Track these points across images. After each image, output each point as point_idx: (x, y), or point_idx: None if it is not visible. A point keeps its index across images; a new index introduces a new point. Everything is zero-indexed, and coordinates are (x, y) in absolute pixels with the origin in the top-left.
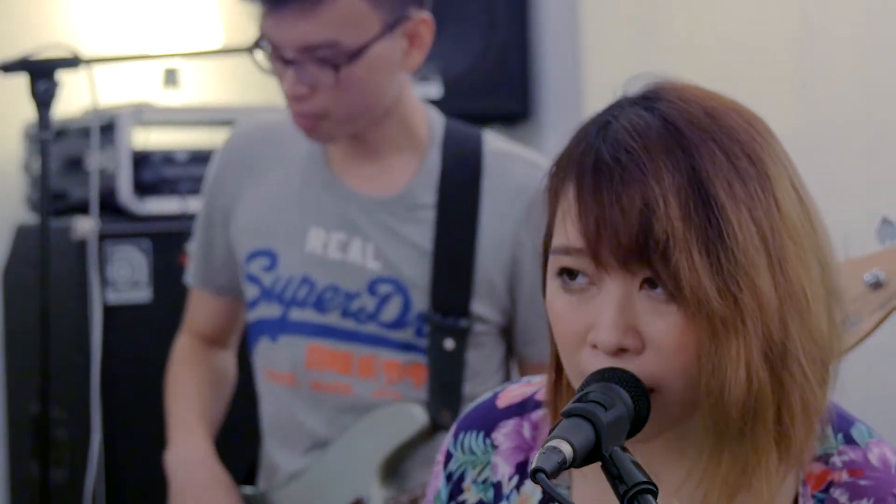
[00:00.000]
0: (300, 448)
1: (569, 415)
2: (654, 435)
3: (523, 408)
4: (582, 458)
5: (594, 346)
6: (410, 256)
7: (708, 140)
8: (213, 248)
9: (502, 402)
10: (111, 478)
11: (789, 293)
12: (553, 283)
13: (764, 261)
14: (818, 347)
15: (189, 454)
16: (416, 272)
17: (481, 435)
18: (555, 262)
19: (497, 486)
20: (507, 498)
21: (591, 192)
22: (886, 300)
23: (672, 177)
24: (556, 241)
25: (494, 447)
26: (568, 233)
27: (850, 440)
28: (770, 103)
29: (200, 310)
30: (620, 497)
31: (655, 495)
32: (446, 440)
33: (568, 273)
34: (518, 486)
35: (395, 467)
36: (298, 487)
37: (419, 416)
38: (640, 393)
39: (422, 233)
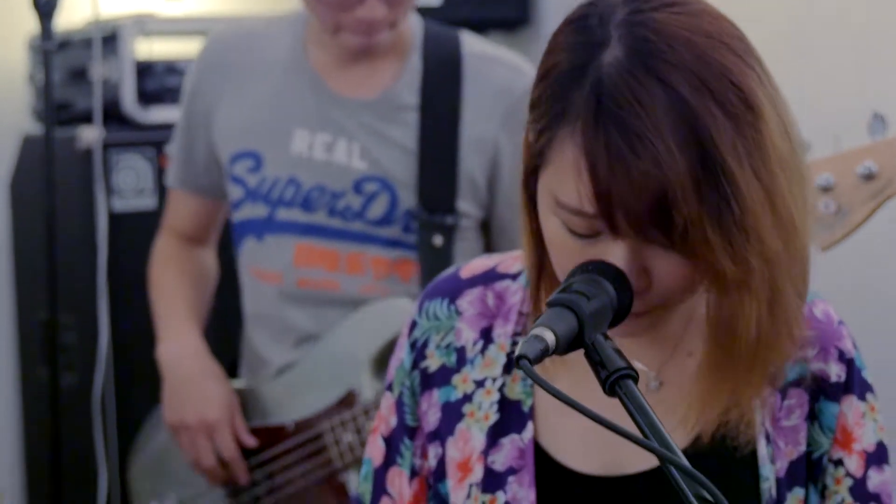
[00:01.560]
0: (289, 342)
1: (552, 304)
2: (640, 332)
3: (487, 278)
4: (565, 346)
5: None
6: (396, 156)
7: (708, 101)
8: (194, 151)
9: (466, 273)
10: (120, 381)
11: (787, 234)
12: (553, 220)
13: (768, 216)
14: (803, 267)
15: (180, 349)
16: (402, 171)
17: (445, 301)
18: (559, 211)
19: (460, 351)
20: (472, 362)
21: (604, 161)
22: (878, 191)
23: (683, 157)
24: (565, 198)
25: (458, 313)
26: (578, 195)
27: None
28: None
29: (181, 210)
30: (602, 382)
31: (636, 381)
32: (411, 312)
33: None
34: (482, 351)
35: (386, 360)
36: (289, 380)
37: (409, 311)
38: (624, 284)
39: (406, 133)
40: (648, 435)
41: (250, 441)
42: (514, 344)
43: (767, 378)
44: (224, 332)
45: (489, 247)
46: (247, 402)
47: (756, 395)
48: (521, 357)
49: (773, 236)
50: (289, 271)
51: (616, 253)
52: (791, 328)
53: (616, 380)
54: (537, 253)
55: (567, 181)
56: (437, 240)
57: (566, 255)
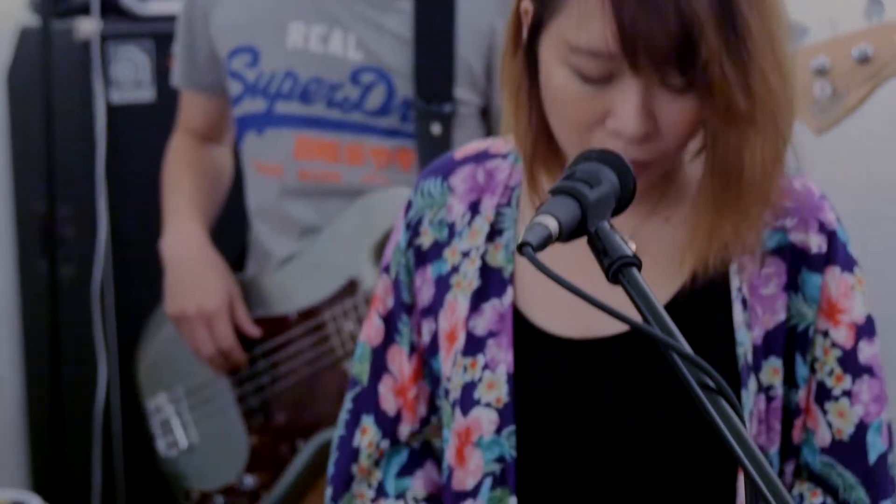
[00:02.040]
0: (292, 235)
1: (555, 192)
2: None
3: (479, 157)
4: (568, 234)
5: (614, 132)
6: (391, 45)
7: None
8: (195, 48)
9: (459, 155)
10: (118, 273)
11: (783, 77)
12: (563, 70)
13: (770, 56)
14: (790, 111)
15: (182, 241)
16: (398, 60)
17: (439, 179)
18: (573, 57)
19: (451, 226)
20: (460, 234)
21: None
22: (873, 74)
23: None
24: (583, 39)
25: (451, 190)
26: (602, 34)
27: None
28: None
29: (191, 109)
30: (605, 270)
31: (639, 268)
32: (409, 195)
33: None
34: (469, 223)
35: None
36: (291, 271)
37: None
38: (626, 172)
39: (401, 22)
40: (651, 322)
41: (253, 331)
42: (498, 215)
43: (760, 219)
44: (233, 226)
45: (490, 134)
46: (250, 293)
47: (752, 230)
48: (524, 244)
49: (774, 75)
50: (289, 164)
51: (628, 96)
52: (782, 167)
53: (619, 267)
54: (532, 130)
55: (588, 22)
56: (436, 128)
57: (574, 107)
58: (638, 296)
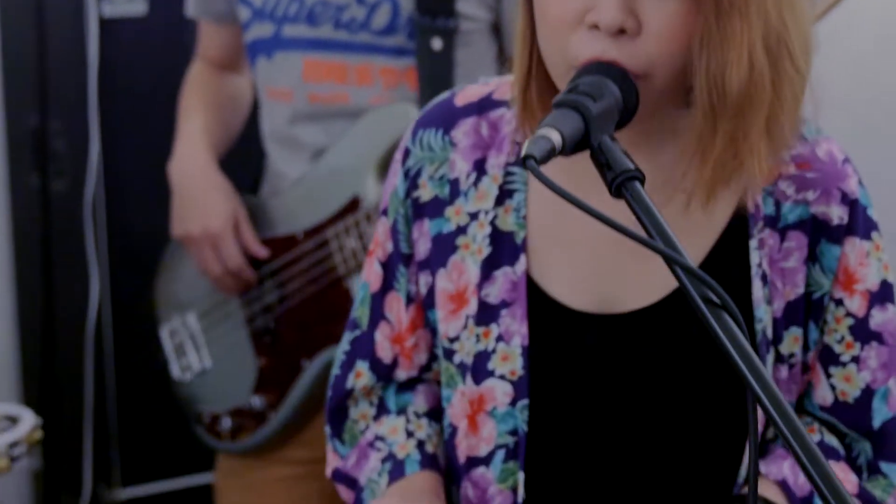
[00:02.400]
0: (303, 157)
1: (559, 105)
2: (643, 121)
3: (482, 107)
4: (571, 147)
5: (593, 27)
6: None
7: None
8: None
9: (460, 100)
10: (110, 187)
11: None
12: None
13: None
14: (804, 41)
15: (189, 164)
16: None
17: (440, 132)
18: None
19: (454, 183)
20: (465, 194)
21: None
22: None
23: None
24: None
25: (453, 144)
26: None
27: (799, 136)
28: None
29: (206, 38)
30: (609, 184)
31: (643, 182)
32: (405, 137)
33: None
34: (476, 183)
35: (390, 165)
36: (298, 192)
37: (411, 114)
38: (629, 85)
39: None
40: (654, 237)
41: (260, 251)
42: (507, 175)
43: (770, 148)
44: (248, 149)
45: (501, 53)
46: (261, 215)
47: (760, 164)
48: (527, 157)
49: None
50: (299, 87)
51: None
52: (795, 95)
53: (623, 181)
54: (528, 43)
55: None
56: (436, 44)
57: (557, 4)
58: (642, 210)
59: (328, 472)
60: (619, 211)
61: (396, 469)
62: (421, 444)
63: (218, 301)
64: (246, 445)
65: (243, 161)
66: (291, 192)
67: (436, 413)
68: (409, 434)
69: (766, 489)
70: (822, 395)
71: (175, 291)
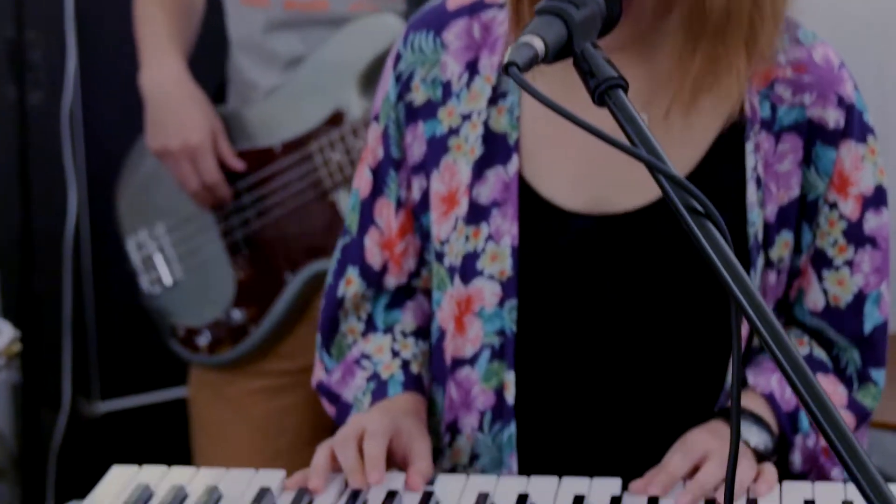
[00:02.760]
0: (277, 66)
1: (540, 12)
2: (625, 40)
3: (473, 9)
4: (553, 54)
5: None
6: None
7: None
8: None
9: (452, 4)
10: (87, 99)
11: None
12: None
13: None
14: None
15: (162, 75)
16: None
17: (431, 34)
18: None
19: (446, 85)
20: (457, 95)
21: None
22: None
23: None
24: None
25: (444, 46)
26: None
27: (795, 40)
28: None
29: None
30: (591, 91)
31: (626, 90)
32: (396, 42)
33: None
34: (468, 84)
35: (373, 78)
36: (275, 102)
37: (396, 26)
38: None
39: None
40: (637, 144)
41: (237, 164)
42: (500, 76)
43: (750, 63)
44: (210, 57)
45: None
46: (233, 126)
47: (738, 78)
48: (509, 64)
49: None
50: None
51: None
52: (775, 7)
53: (605, 89)
54: None
55: None
56: None
57: None
58: (624, 118)
59: (313, 382)
60: (608, 118)
61: (379, 389)
62: (406, 365)
63: (189, 214)
64: (224, 359)
65: (206, 69)
66: (267, 102)
67: (423, 332)
68: (395, 354)
69: (752, 402)
70: (814, 299)
71: (141, 202)
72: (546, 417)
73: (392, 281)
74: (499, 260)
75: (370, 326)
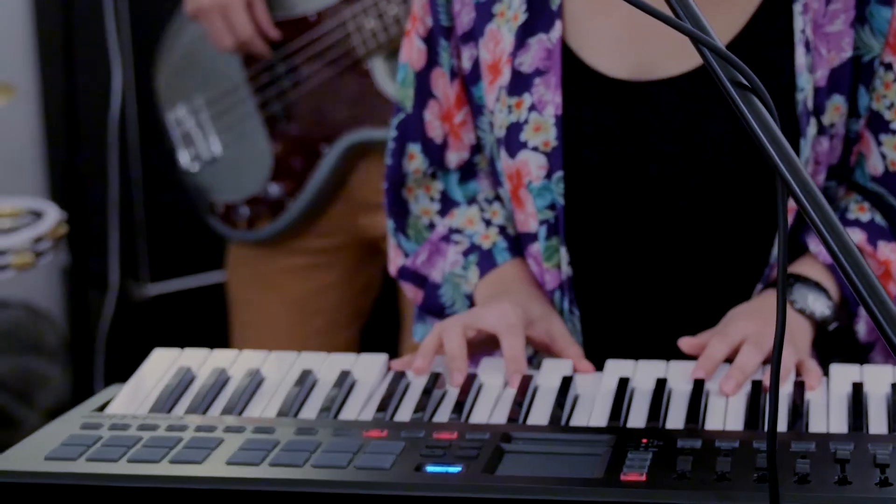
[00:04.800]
0: None
1: None
2: None
3: None
4: None
5: None
6: None
7: None
8: None
9: None
10: None
11: None
12: None
13: None
14: None
15: None
16: None
17: None
18: None
19: None
20: None
21: None
22: None
23: None
24: None
25: None
26: None
27: None
28: None
29: None
30: None
31: None
32: None
33: None
34: None
35: None
36: None
37: None
38: None
39: None
40: (682, 17)
41: (273, 32)
42: None
43: None
44: None
45: None
46: None
47: None
48: None
49: None
50: None
51: None
52: None
53: None
54: None
55: None
56: None
57: None
58: None
59: (392, 270)
60: None
61: (485, 260)
62: (503, 230)
63: (227, 87)
64: (263, 234)
65: None
66: None
67: (500, 199)
68: (488, 223)
69: (811, 269)
70: (874, 164)
71: (179, 77)
72: (601, 294)
73: (453, 157)
74: (542, 131)
75: (448, 203)
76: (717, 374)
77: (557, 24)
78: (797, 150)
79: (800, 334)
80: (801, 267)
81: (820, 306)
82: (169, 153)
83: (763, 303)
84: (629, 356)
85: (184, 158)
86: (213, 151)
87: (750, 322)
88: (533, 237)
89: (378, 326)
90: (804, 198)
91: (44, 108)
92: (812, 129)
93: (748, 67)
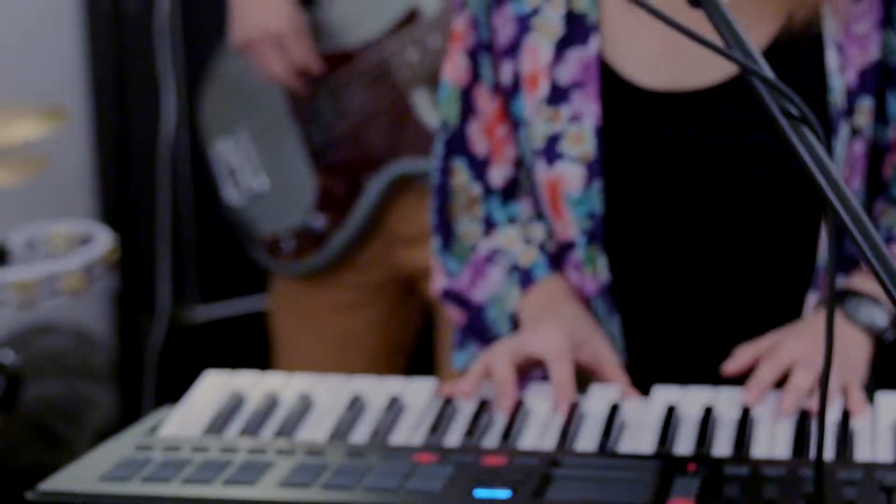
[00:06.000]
0: None
1: None
2: None
3: None
4: None
5: None
6: None
7: None
8: None
9: None
10: (184, 4)
11: None
12: None
13: None
14: None
15: None
16: None
17: None
18: None
19: None
20: None
21: None
22: None
23: None
24: None
25: None
26: None
27: None
28: None
29: None
30: None
31: None
32: None
33: None
34: None
35: None
36: (350, 3)
37: None
38: None
39: None
40: (731, 45)
41: (317, 66)
42: None
43: None
44: None
45: None
46: (314, 29)
47: None
48: None
49: None
50: None
51: None
52: None
53: None
54: None
55: None
56: None
57: None
58: (719, 19)
59: (436, 290)
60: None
61: (525, 278)
62: (542, 247)
63: (272, 120)
64: (308, 266)
65: None
66: (343, 3)
67: (542, 217)
68: (528, 241)
69: (868, 283)
70: None
71: (223, 110)
72: (641, 300)
73: (497, 174)
74: (581, 142)
75: (490, 225)
76: (764, 399)
77: (594, 38)
78: (830, 150)
79: (855, 351)
80: (854, 281)
81: (875, 317)
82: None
83: (814, 323)
84: (671, 363)
85: (228, 193)
86: (257, 185)
87: (800, 343)
88: (572, 245)
89: (416, 362)
90: (855, 228)
91: (96, 133)
92: (845, 130)
93: (782, 73)
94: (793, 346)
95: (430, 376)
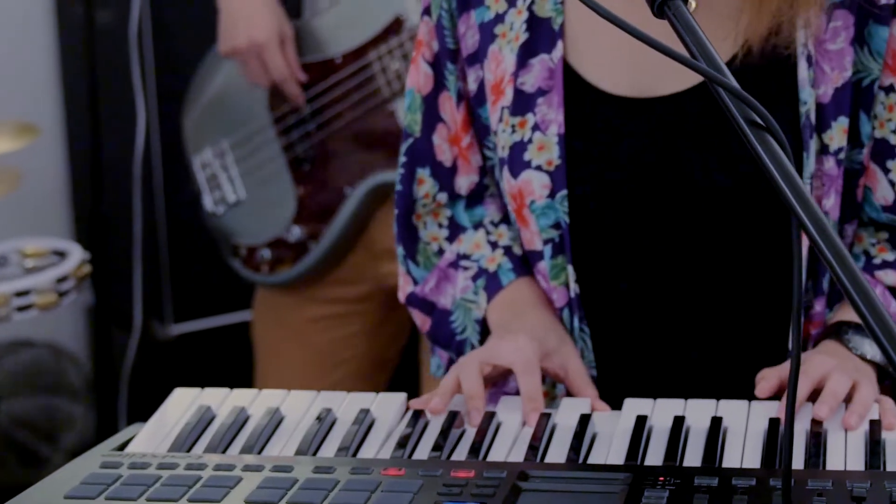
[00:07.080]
0: None
1: None
2: None
3: None
4: None
5: None
6: None
7: None
8: None
9: None
10: (156, 18)
11: None
12: None
13: None
14: None
15: None
16: None
17: None
18: None
19: None
20: None
21: None
22: None
23: None
24: None
25: None
26: None
27: None
28: None
29: None
30: (651, 2)
31: (686, 1)
32: None
33: None
34: None
35: None
36: (336, 13)
37: None
38: None
39: None
40: (697, 56)
41: (300, 75)
42: None
43: None
44: None
45: None
46: (300, 38)
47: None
48: None
49: None
50: None
51: None
52: None
53: (665, 1)
54: None
55: None
56: None
57: None
58: (685, 30)
59: (401, 296)
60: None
61: (492, 283)
62: (508, 250)
63: (253, 130)
64: (285, 278)
65: None
66: (329, 14)
67: (509, 221)
68: (493, 245)
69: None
70: (883, 194)
71: (205, 121)
72: (610, 312)
73: (464, 182)
74: (546, 150)
75: (456, 229)
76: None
77: (559, 44)
78: (801, 163)
79: (864, 366)
80: (852, 312)
81: (875, 350)
82: (192, 194)
83: (833, 348)
84: (641, 374)
85: (208, 202)
86: (238, 195)
87: (827, 357)
88: (539, 255)
89: (401, 375)
90: (817, 235)
91: (68, 150)
92: (815, 143)
93: (752, 83)
94: (819, 359)
95: (415, 389)
